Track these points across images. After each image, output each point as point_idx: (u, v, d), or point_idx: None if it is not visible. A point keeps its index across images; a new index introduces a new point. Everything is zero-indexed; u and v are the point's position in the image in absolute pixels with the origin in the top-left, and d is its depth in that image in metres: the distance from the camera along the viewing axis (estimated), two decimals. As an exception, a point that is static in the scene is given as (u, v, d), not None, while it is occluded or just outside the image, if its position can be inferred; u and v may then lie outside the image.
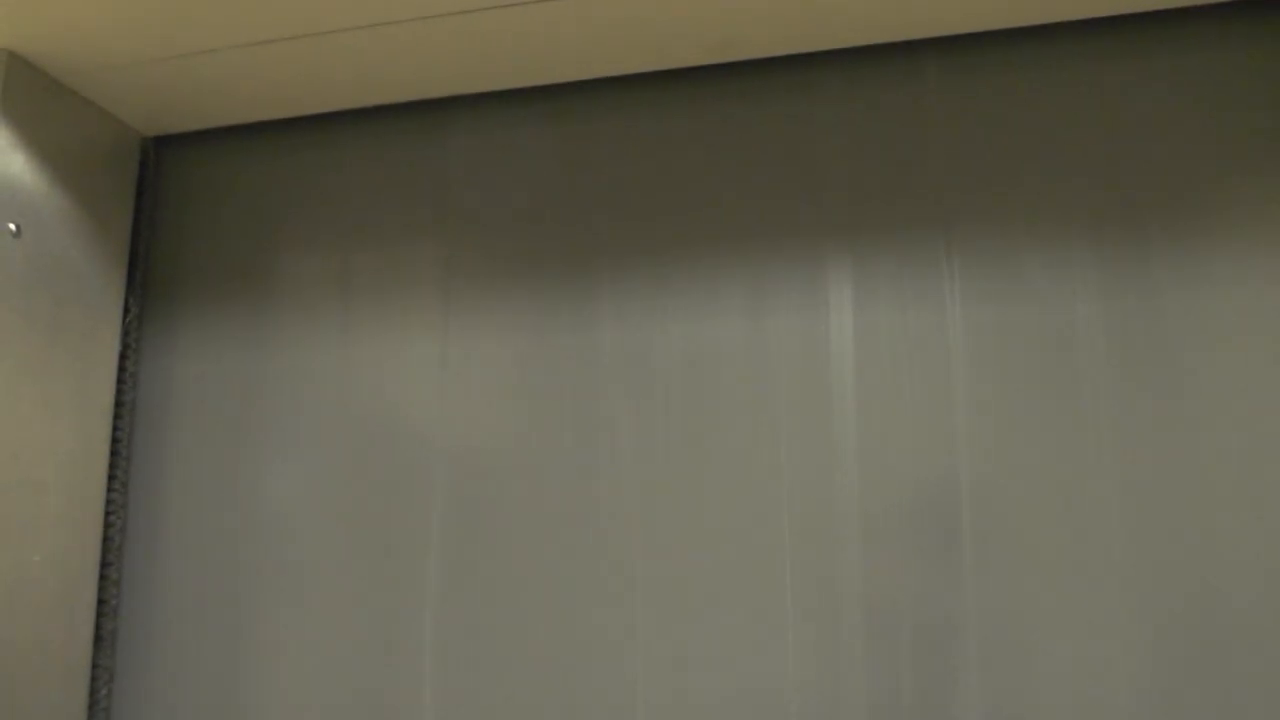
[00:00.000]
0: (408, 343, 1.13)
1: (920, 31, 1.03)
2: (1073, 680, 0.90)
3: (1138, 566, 0.91)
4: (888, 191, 1.04)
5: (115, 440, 1.15)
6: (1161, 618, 0.89)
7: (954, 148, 1.03)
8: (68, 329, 1.08)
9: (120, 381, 1.16)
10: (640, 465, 1.04)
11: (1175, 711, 0.88)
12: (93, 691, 1.11)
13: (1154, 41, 1.01)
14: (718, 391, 1.03)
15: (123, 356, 1.17)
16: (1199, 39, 1.00)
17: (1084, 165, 0.99)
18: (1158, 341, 0.94)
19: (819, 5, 0.96)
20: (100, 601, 1.12)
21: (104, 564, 1.13)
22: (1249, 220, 0.95)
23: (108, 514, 1.14)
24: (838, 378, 1.01)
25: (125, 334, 1.18)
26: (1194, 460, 0.92)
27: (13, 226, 1.01)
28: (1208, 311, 0.94)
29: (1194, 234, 0.96)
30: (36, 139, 1.05)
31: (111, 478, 1.14)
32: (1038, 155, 1.01)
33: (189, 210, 1.24)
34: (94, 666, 1.11)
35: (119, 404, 1.16)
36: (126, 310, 1.18)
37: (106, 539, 1.14)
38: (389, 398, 1.12)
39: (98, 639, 1.12)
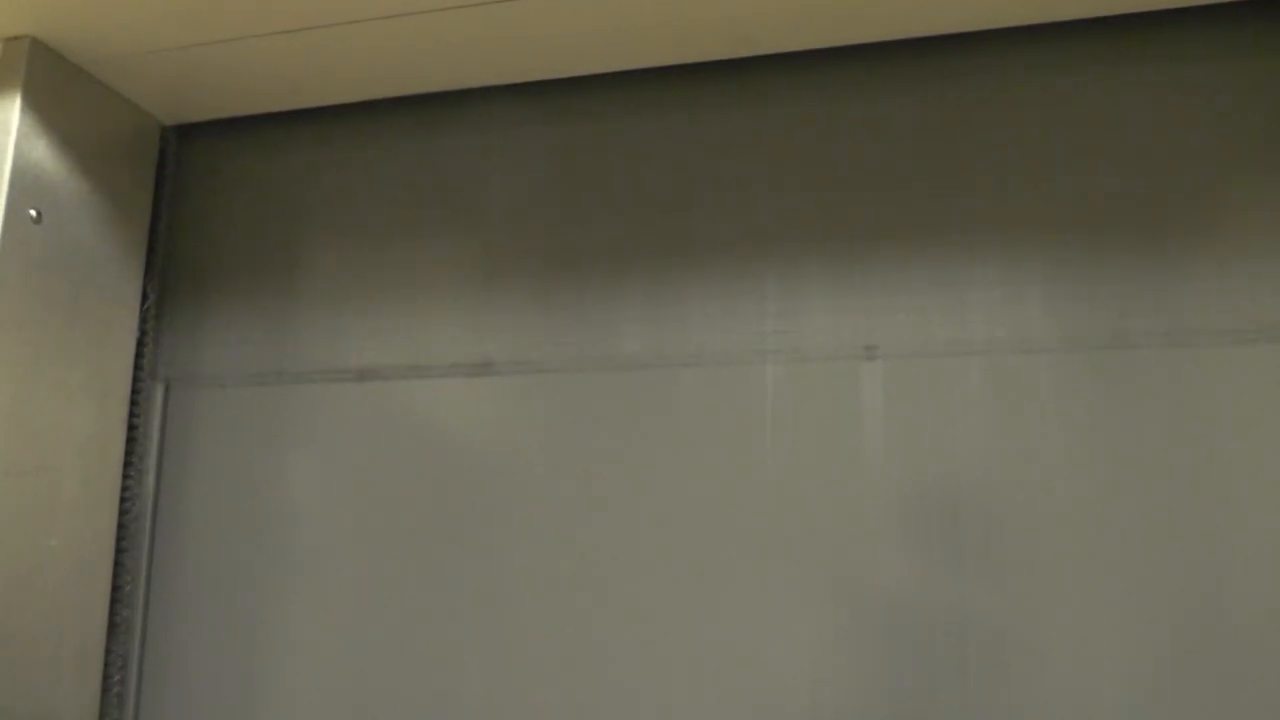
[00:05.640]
0: (425, 336, 1.13)
1: (931, 28, 1.02)
2: (1081, 682, 0.89)
3: (1146, 571, 0.90)
4: (901, 194, 1.03)
5: (131, 427, 1.16)
6: (1170, 622, 0.89)
7: (968, 150, 1.03)
8: (86, 315, 1.08)
9: (137, 369, 1.17)
10: (657, 465, 1.03)
11: (1184, 714, 0.87)
12: (106, 678, 1.11)
13: (1156, 43, 1.00)
14: (730, 392, 1.03)
15: (140, 344, 1.17)
16: (1201, 41, 0.99)
17: (1101, 169, 0.99)
18: (1166, 346, 0.94)
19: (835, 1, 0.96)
20: (114, 588, 1.12)
21: (118, 550, 1.13)
22: (1253, 225, 0.94)
23: (123, 500, 1.14)
24: (851, 381, 1.00)
25: (143, 321, 1.18)
26: (1200, 466, 0.91)
27: (33, 212, 1.02)
28: (1214, 316, 0.93)
29: (1200, 239, 0.95)
30: (58, 125, 1.06)
31: (127, 464, 1.15)
32: (1058, 159, 1.00)
33: (208, 199, 1.25)
34: (108, 653, 1.11)
35: (135, 391, 1.16)
36: (144, 298, 1.18)
37: (121, 525, 1.14)
38: (405, 391, 1.12)
39: (112, 625, 1.12)
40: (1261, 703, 0.86)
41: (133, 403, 1.16)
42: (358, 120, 1.22)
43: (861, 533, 0.97)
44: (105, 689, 1.11)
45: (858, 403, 0.99)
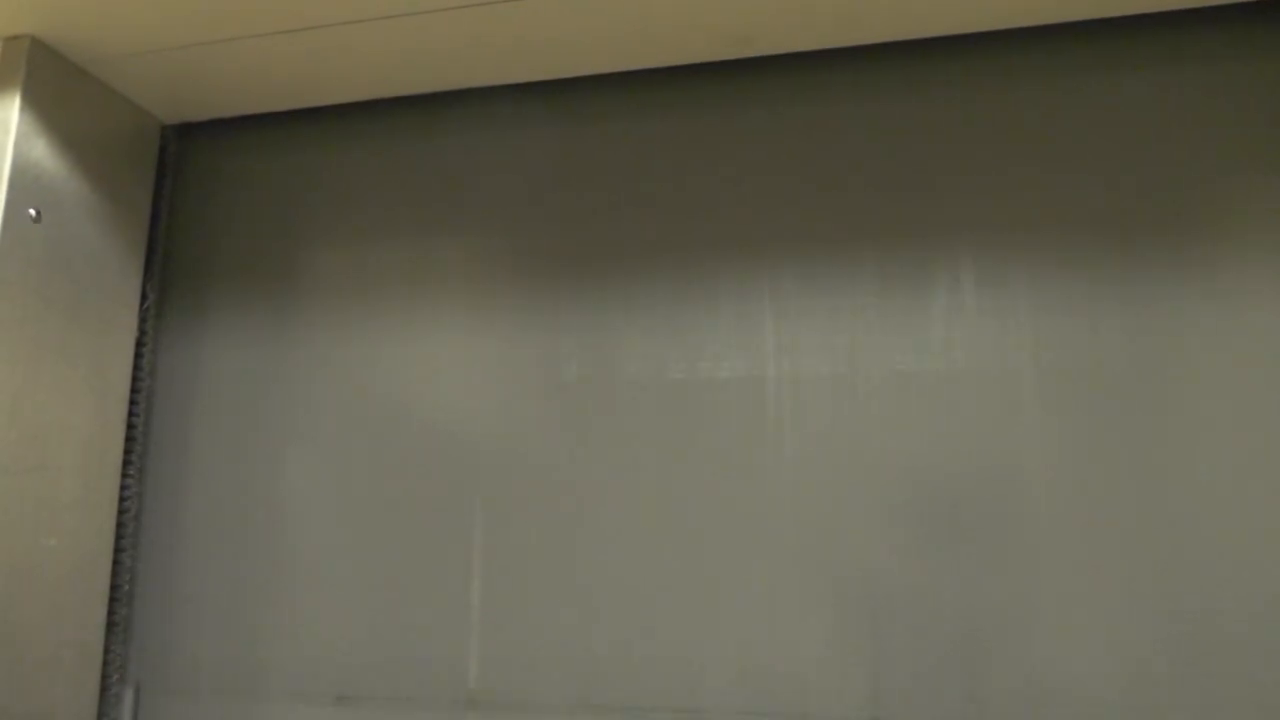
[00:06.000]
0: (426, 336, 1.13)
1: (935, 29, 1.02)
2: (1074, 678, 0.90)
3: (1141, 568, 0.90)
4: (898, 197, 1.03)
5: (131, 427, 1.16)
6: (1163, 616, 0.89)
7: (964, 152, 1.03)
8: (86, 315, 1.08)
9: (137, 369, 1.17)
10: (656, 461, 1.03)
11: (1174, 709, 0.87)
12: (104, 678, 1.11)
13: (1162, 46, 1.00)
14: (733, 390, 1.03)
15: (139, 344, 1.17)
16: (1207, 44, 0.99)
17: (1097, 172, 0.99)
18: (1174, 349, 0.94)
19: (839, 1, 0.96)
20: (113, 587, 1.12)
21: (117, 550, 1.13)
22: (1260, 226, 0.94)
23: (122, 500, 1.14)
24: (851, 378, 1.00)
25: (142, 321, 1.18)
26: (1198, 467, 0.91)
27: (33, 212, 1.02)
28: (1214, 321, 0.93)
29: (1206, 241, 0.95)
30: (58, 125, 1.06)
31: (126, 464, 1.15)
32: (1056, 161, 1.00)
33: (208, 199, 1.25)
34: (106, 652, 1.11)
35: (135, 391, 1.16)
36: (144, 297, 1.18)
37: (120, 525, 1.14)
38: (405, 389, 1.12)
39: (110, 625, 1.12)
40: (1256, 701, 0.86)
41: (132, 403, 1.16)
42: (358, 120, 1.22)
43: (860, 530, 0.97)
44: (104, 688, 1.11)
45: (854, 412, 1.00)
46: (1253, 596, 0.88)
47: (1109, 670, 0.89)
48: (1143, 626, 0.89)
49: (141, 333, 1.18)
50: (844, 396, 1.00)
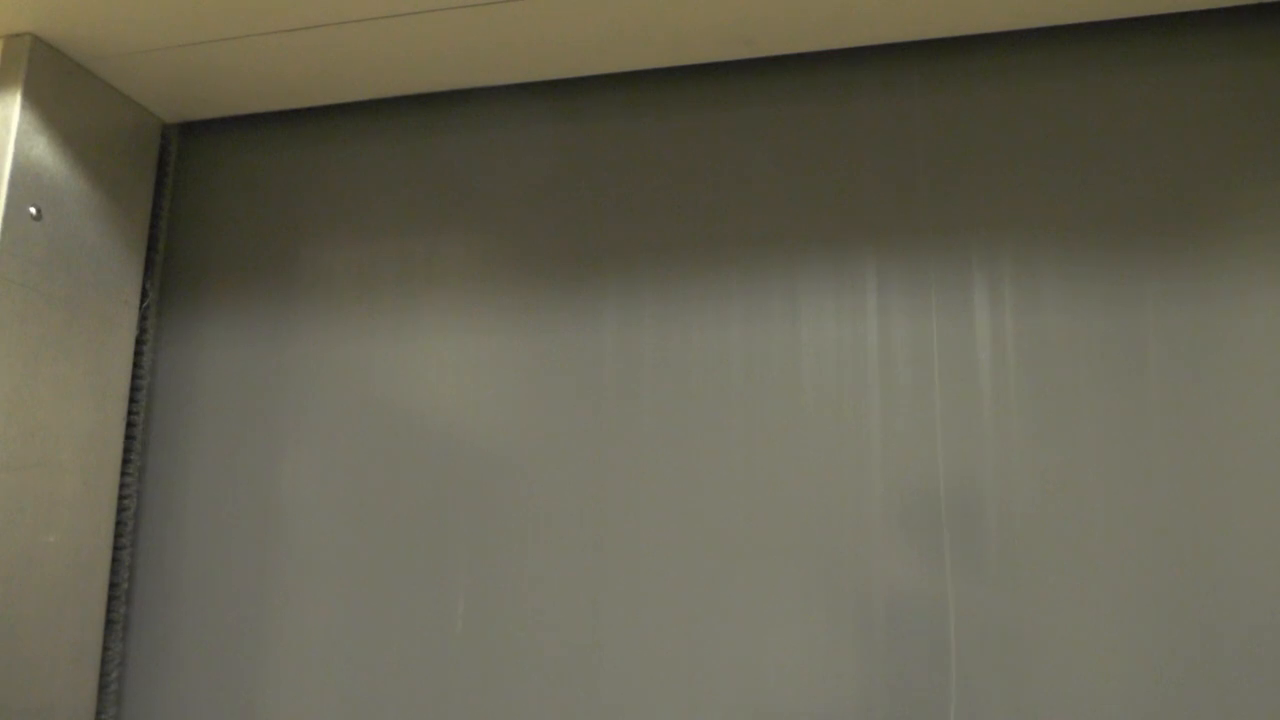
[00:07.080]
0: (425, 335, 1.13)
1: (935, 31, 1.02)
2: (1075, 687, 0.90)
3: (1146, 574, 0.90)
4: (900, 197, 1.03)
5: (130, 425, 1.16)
6: (1167, 623, 0.89)
7: (973, 152, 1.03)
8: (86, 313, 1.09)
9: (136, 367, 1.17)
10: (652, 463, 1.04)
11: (1182, 711, 0.87)
12: (103, 675, 1.11)
13: (1163, 47, 1.00)
14: (730, 392, 1.03)
15: (139, 341, 1.18)
16: (1207, 45, 0.99)
17: (1105, 172, 0.99)
18: (1173, 351, 0.94)
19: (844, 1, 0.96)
20: (112, 585, 1.13)
21: (116, 548, 1.13)
22: (1263, 228, 0.94)
23: (121, 498, 1.14)
24: (853, 380, 1.00)
25: (142, 319, 1.18)
26: (1205, 470, 0.91)
27: (33, 209, 1.02)
28: (1221, 321, 0.93)
29: (1208, 243, 0.95)
30: (59, 123, 1.06)
31: (126, 462, 1.15)
32: (1057, 161, 1.01)
33: (208, 198, 1.25)
34: (105, 650, 1.12)
35: (134, 389, 1.17)
36: (144, 295, 1.18)
37: (119, 523, 1.14)
38: (405, 389, 1.13)
39: (109, 622, 1.12)
40: (1260, 705, 0.86)
41: (131, 400, 1.16)
42: (359, 119, 1.22)
43: (860, 532, 0.97)
44: (102, 685, 1.11)
45: (862, 405, 1.00)
46: (1260, 605, 0.88)
47: (1111, 680, 0.89)
48: (1148, 636, 0.89)
49: (141, 330, 1.18)
50: (851, 398, 1.00)
